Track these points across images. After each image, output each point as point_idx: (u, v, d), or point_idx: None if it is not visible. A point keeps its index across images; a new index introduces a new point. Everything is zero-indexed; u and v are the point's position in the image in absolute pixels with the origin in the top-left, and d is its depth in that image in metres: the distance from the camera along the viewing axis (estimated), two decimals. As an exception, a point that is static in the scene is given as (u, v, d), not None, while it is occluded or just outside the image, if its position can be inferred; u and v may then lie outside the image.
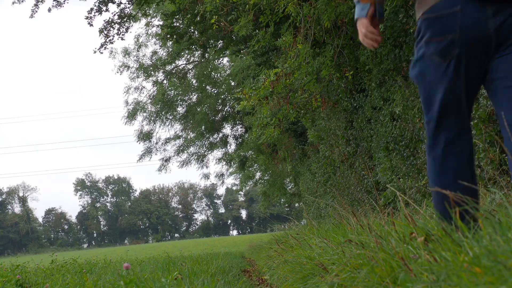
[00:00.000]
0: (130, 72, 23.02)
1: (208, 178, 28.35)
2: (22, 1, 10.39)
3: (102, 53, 11.37)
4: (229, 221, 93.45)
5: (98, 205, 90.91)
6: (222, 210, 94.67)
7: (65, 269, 7.60)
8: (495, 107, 1.91)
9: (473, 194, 1.85)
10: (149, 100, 23.50)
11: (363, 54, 6.06)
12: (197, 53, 20.37)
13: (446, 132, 1.91)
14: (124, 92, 23.86)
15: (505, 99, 1.83)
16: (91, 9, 10.64)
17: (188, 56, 22.00)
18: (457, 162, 1.89)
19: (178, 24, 12.25)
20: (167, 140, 25.14)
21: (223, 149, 25.33)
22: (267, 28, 6.96)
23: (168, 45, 20.44)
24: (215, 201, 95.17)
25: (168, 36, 12.29)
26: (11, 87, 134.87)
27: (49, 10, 10.61)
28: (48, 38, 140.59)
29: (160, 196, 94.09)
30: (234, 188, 67.71)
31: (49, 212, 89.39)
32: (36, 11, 10.51)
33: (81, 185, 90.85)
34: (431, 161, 1.94)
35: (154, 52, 22.43)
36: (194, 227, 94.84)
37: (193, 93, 23.74)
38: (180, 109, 24.00)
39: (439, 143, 1.92)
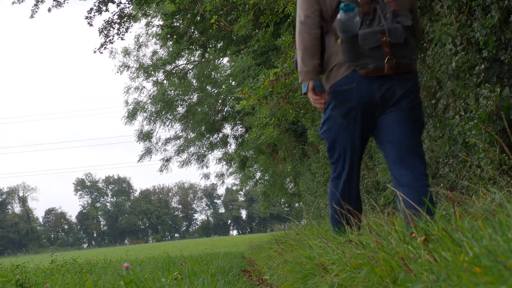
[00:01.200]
0: (130, 72, 23.02)
1: (208, 178, 28.36)
2: (22, 1, 10.38)
3: (102, 53, 11.37)
4: (229, 221, 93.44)
5: (98, 205, 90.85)
6: (222, 210, 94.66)
7: (65, 269, 7.60)
8: (382, 150, 2.82)
9: (358, 209, 2.83)
10: (149, 100, 23.48)
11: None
12: (197, 53, 20.35)
13: (345, 168, 2.79)
14: (124, 92, 23.85)
15: (388, 145, 2.71)
16: (91, 9, 10.63)
17: (188, 56, 21.98)
18: (352, 188, 2.82)
19: (178, 24, 12.24)
20: (167, 140, 25.13)
21: (223, 149, 25.33)
22: (267, 28, 6.96)
23: (168, 45, 20.43)
24: (215, 201, 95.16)
25: (168, 36, 12.28)
26: (11, 87, 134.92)
27: (49, 10, 10.60)
28: (48, 38, 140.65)
29: (160, 196, 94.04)
30: (234, 188, 67.69)
31: (49, 212, 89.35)
32: (36, 11, 10.50)
33: (81, 185, 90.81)
34: (334, 188, 2.84)
35: (154, 52, 22.41)
36: (194, 227, 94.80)
37: (193, 93, 23.73)
38: (180, 109, 23.99)
39: (341, 176, 2.81)
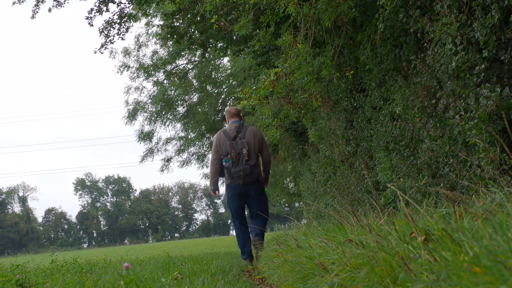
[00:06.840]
0: (131, 72, 22.99)
1: (208, 178, 28.28)
2: (23, 1, 10.37)
3: (102, 53, 11.35)
4: (229, 221, 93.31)
5: (98, 205, 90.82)
6: (222, 210, 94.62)
7: (65, 269, 7.60)
8: (249, 210, 6.70)
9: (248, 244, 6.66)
10: (150, 100, 23.46)
11: (363, 54, 6.06)
12: (198, 53, 20.33)
13: (238, 222, 6.66)
14: (124, 92, 23.82)
15: (252, 209, 6.60)
16: (91, 9, 10.62)
17: (189, 56, 21.97)
18: (244, 234, 6.64)
19: (178, 24, 12.24)
20: (168, 140, 25.12)
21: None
22: (268, 28, 6.95)
23: (168, 45, 20.42)
24: (215, 201, 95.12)
25: (168, 36, 12.27)
26: (11, 87, 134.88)
27: (50, 10, 10.59)
28: (48, 38, 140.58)
29: (160, 196, 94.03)
30: (234, 188, 67.46)
31: (49, 212, 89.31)
32: (37, 12, 10.48)
33: (81, 185, 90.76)
34: (236, 233, 6.70)
35: (155, 52, 22.39)
36: (194, 227, 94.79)
37: (194, 93, 23.71)
38: (181, 109, 23.99)
39: (236, 226, 6.68)
